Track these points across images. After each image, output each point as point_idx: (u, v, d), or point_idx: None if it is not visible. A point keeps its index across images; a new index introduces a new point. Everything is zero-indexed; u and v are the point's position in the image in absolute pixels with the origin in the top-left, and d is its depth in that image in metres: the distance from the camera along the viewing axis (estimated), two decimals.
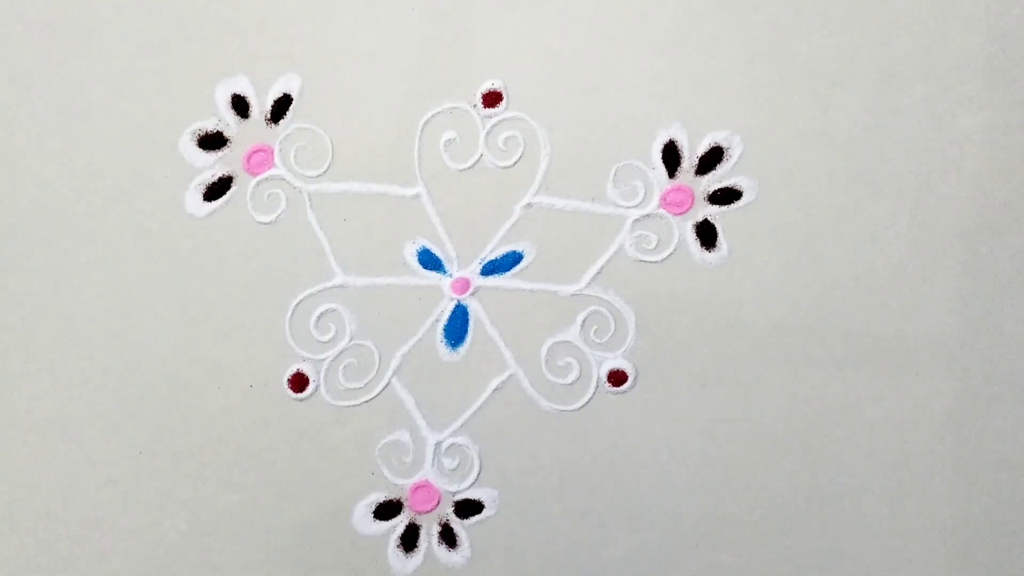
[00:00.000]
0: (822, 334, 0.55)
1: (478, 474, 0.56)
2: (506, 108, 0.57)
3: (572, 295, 0.56)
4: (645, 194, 0.56)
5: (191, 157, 0.58)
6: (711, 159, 0.56)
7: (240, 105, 0.58)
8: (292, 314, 0.57)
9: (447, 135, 0.57)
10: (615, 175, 0.56)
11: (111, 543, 0.57)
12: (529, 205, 0.57)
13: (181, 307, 0.58)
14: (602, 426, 0.56)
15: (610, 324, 0.56)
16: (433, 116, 0.58)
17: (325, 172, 0.58)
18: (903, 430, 0.54)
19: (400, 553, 0.56)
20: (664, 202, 0.56)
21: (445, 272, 0.57)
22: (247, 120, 0.58)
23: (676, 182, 0.56)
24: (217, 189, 0.58)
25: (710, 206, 0.56)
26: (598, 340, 0.56)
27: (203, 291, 0.58)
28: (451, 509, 0.56)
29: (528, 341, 0.56)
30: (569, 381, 0.56)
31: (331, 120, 0.58)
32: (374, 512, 0.56)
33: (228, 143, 0.58)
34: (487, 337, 0.57)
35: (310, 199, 0.58)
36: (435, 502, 0.56)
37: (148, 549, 0.57)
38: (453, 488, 0.56)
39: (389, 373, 0.57)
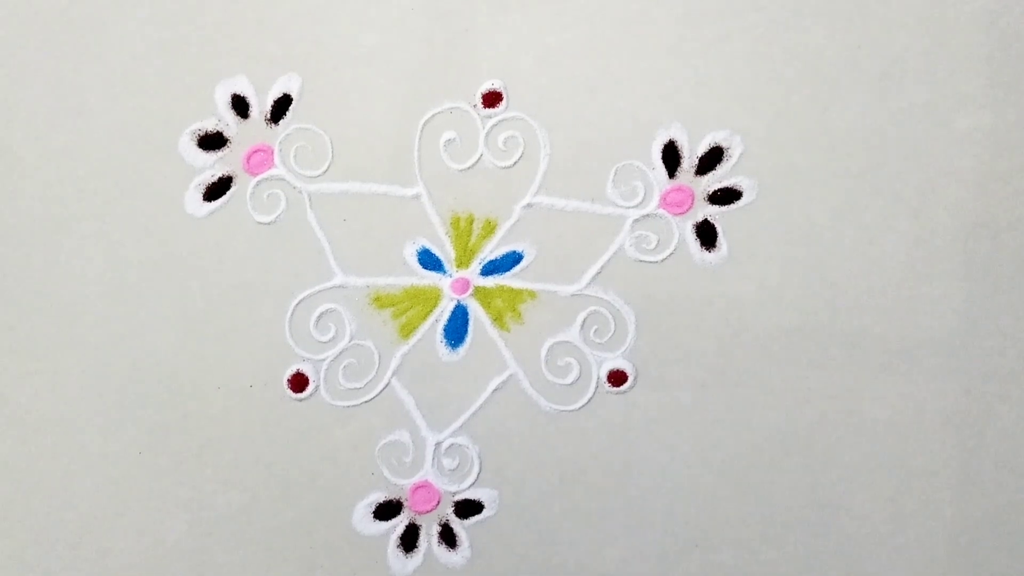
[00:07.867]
0: (822, 334, 0.55)
1: (478, 474, 0.56)
2: (506, 108, 0.57)
3: (572, 295, 0.56)
4: (645, 194, 0.56)
5: (191, 157, 0.58)
6: (711, 159, 0.56)
7: (240, 105, 0.58)
8: (292, 314, 0.57)
9: (447, 135, 0.57)
10: (615, 175, 0.56)
11: (111, 543, 0.57)
12: (529, 205, 0.57)
13: (181, 307, 0.58)
14: (602, 426, 0.56)
15: (610, 324, 0.56)
16: (433, 116, 0.58)
17: (325, 172, 0.58)
18: (903, 430, 0.54)
19: (400, 553, 0.56)
20: (664, 202, 0.56)
21: (445, 272, 0.57)
22: (247, 120, 0.58)
23: (676, 182, 0.56)
24: (217, 189, 0.58)
25: (710, 206, 0.56)
26: (598, 340, 0.56)
27: (203, 291, 0.58)
28: (451, 509, 0.56)
29: (528, 341, 0.56)
30: (569, 381, 0.56)
31: (331, 120, 0.58)
32: (374, 512, 0.56)
33: (228, 143, 0.58)
34: (487, 337, 0.57)
35: (310, 199, 0.58)
36: (435, 502, 0.56)
37: (148, 549, 0.57)
38: (453, 488, 0.56)
39: (389, 373, 0.57)
